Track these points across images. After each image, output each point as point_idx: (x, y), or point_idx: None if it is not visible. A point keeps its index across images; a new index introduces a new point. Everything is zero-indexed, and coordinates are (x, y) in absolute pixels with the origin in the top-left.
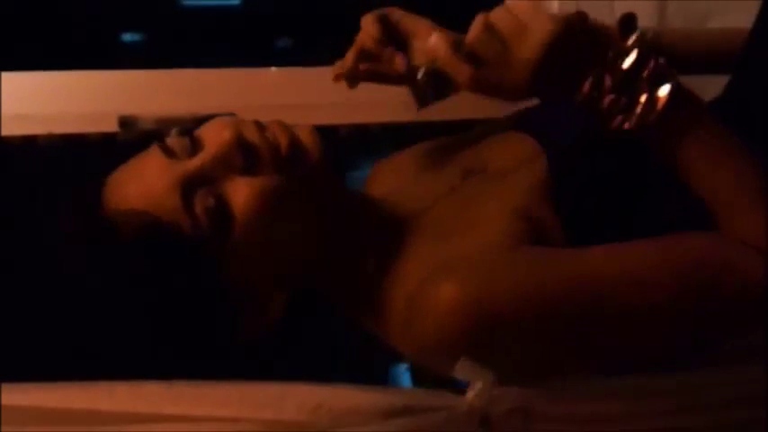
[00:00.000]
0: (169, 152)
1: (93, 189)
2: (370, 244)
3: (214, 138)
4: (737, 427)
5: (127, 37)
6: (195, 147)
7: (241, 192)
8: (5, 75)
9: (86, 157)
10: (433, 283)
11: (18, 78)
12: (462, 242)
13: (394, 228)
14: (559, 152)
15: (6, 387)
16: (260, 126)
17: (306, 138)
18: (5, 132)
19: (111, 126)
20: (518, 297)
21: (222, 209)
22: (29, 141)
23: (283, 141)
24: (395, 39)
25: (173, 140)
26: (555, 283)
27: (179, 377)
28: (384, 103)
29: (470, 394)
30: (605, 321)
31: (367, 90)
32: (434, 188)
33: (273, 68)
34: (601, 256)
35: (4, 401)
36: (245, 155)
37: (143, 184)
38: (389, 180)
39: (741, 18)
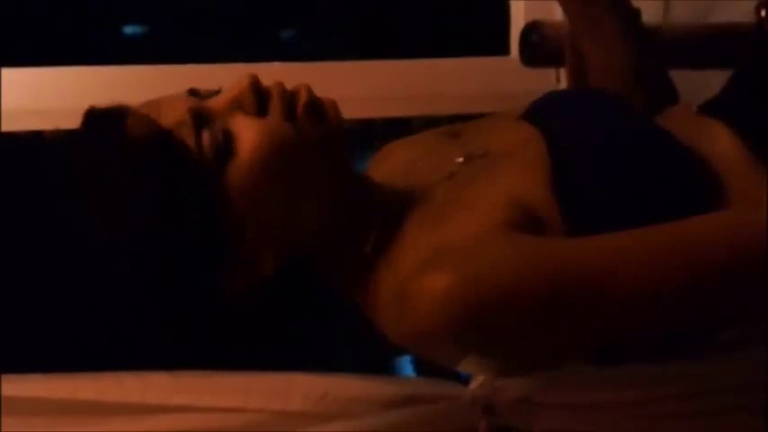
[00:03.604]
0: (194, 92)
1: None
2: (371, 225)
3: (233, 82)
4: (738, 411)
5: (128, 29)
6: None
7: (247, 130)
8: (15, 70)
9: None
10: (421, 273)
11: (25, 74)
12: (455, 229)
13: (393, 210)
14: (561, 139)
15: (14, 377)
16: (281, 82)
17: (328, 103)
18: (12, 128)
19: None
20: (508, 283)
21: (228, 143)
22: (35, 137)
23: (303, 96)
24: None
25: (201, 89)
26: (546, 267)
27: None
28: (388, 98)
29: (474, 384)
30: (594, 309)
31: (371, 85)
32: (436, 172)
33: (277, 63)
34: (598, 239)
35: (13, 392)
36: (258, 97)
37: (161, 105)
38: (394, 162)
39: (746, 7)
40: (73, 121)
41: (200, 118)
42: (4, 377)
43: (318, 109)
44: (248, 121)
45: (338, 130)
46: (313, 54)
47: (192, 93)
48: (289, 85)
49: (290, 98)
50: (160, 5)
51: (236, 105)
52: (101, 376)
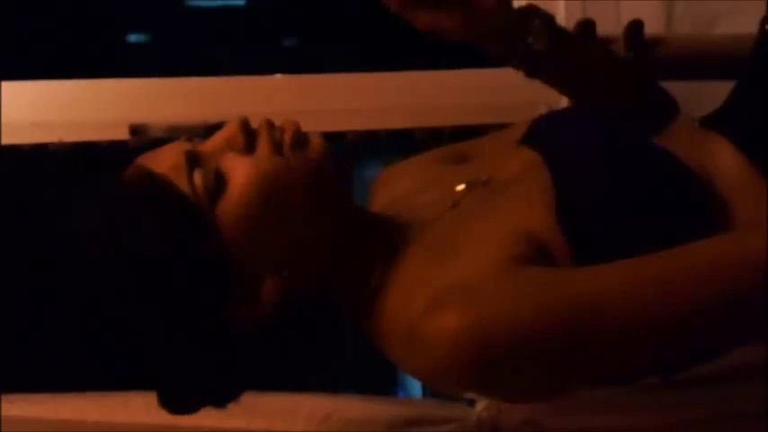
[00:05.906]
0: (190, 138)
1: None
2: (375, 257)
3: (224, 128)
4: None
5: (132, 38)
6: None
7: (237, 166)
8: (17, 83)
9: (98, 163)
10: (432, 313)
11: (29, 87)
12: (463, 265)
13: (397, 241)
14: (564, 167)
15: (20, 398)
16: (269, 119)
17: (313, 137)
18: (16, 141)
19: (122, 134)
20: (519, 324)
21: (219, 181)
22: (40, 149)
23: (288, 129)
24: None
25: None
26: (557, 307)
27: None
28: (391, 110)
29: (480, 406)
30: (610, 342)
31: (374, 97)
32: (439, 200)
33: (279, 75)
34: (604, 274)
35: (17, 413)
36: (247, 135)
37: (159, 153)
38: (396, 188)
39: (750, 20)
40: (82, 135)
41: (193, 160)
42: (5, 397)
43: (302, 140)
44: (238, 158)
45: (323, 164)
46: (314, 63)
47: (189, 139)
48: (292, 98)
49: (277, 134)
50: (164, 14)
51: (227, 145)
52: (107, 396)
